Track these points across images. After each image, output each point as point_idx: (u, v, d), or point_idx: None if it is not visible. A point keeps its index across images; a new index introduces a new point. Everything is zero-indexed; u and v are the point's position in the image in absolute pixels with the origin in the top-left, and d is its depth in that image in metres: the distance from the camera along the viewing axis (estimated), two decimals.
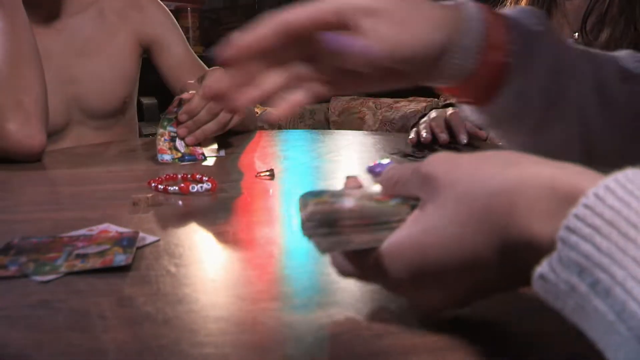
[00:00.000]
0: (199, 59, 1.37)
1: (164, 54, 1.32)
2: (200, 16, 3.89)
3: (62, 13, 1.20)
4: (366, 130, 3.51)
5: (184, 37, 1.38)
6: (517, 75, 0.47)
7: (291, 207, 0.70)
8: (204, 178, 0.74)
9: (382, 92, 3.69)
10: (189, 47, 1.36)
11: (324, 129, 3.73)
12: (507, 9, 0.51)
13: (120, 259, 0.49)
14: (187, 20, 3.82)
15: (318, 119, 3.70)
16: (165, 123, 0.94)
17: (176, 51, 1.32)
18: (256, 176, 0.80)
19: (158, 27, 1.32)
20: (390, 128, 3.42)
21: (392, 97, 3.60)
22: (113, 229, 0.58)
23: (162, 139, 0.92)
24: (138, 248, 0.52)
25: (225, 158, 0.95)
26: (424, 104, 3.39)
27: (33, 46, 1.02)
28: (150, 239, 0.55)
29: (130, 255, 0.50)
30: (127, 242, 0.54)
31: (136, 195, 0.65)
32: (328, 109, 3.76)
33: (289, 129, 3.49)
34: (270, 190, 0.74)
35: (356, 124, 3.57)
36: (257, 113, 1.26)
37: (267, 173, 0.80)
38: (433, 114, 1.11)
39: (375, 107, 3.56)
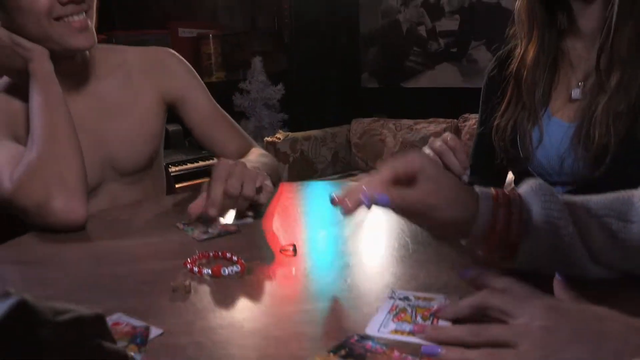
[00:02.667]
0: (221, 110, 1.43)
1: (189, 110, 1.39)
2: (222, 42, 3.97)
3: (92, 78, 1.28)
4: (386, 153, 3.58)
5: (207, 90, 1.44)
6: (527, 239, 0.64)
7: (313, 287, 0.78)
8: (234, 258, 0.82)
9: (402, 116, 3.75)
10: (212, 99, 1.42)
11: (346, 150, 3.81)
12: (520, 188, 0.67)
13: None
14: (209, 47, 3.91)
15: (339, 141, 3.78)
16: (190, 231, 1.00)
17: (200, 106, 1.39)
18: (280, 252, 0.88)
19: (181, 83, 1.38)
20: (411, 150, 3.48)
21: (412, 119, 3.67)
22: (124, 320, 0.63)
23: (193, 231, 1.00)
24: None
25: (251, 226, 1.03)
26: (444, 125, 3.46)
27: (69, 119, 1.10)
28: (155, 332, 0.60)
29: (144, 355, 0.56)
30: (140, 340, 0.58)
31: (175, 282, 0.73)
32: (349, 130, 3.83)
33: (313, 150, 3.57)
34: (293, 270, 0.82)
35: (377, 146, 3.65)
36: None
37: (290, 249, 0.88)
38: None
39: (396, 129, 3.63)
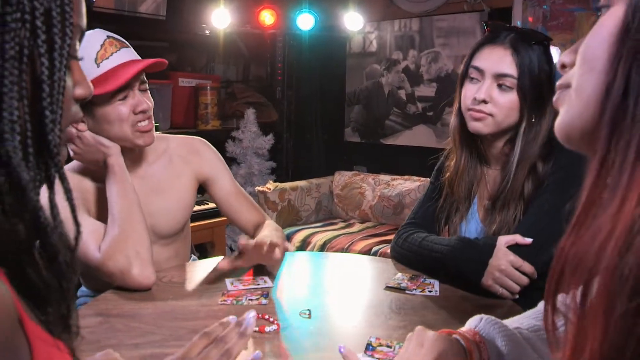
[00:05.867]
0: (241, 189, 1.78)
1: (216, 188, 1.73)
2: (218, 92, 4.26)
3: (144, 163, 1.63)
4: (365, 205, 3.95)
5: (230, 172, 1.79)
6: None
7: (327, 343, 1.12)
8: (271, 319, 1.17)
9: (380, 170, 4.14)
10: (234, 180, 1.77)
11: (329, 200, 4.17)
12: (476, 323, 0.95)
13: None
14: (206, 97, 4.15)
15: (323, 191, 4.14)
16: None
17: (224, 184, 1.74)
18: (300, 314, 1.23)
19: (211, 167, 1.73)
20: (387, 204, 3.86)
21: (389, 173, 4.05)
22: None
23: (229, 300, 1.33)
24: None
25: (272, 291, 1.38)
26: (418, 183, 3.83)
27: (139, 204, 1.45)
28: None
29: None
30: None
31: None
32: (332, 182, 4.20)
33: (299, 200, 3.92)
34: (311, 327, 1.17)
35: (357, 198, 4.01)
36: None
37: (306, 312, 1.23)
38: None
39: (375, 184, 4.00)
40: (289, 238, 3.54)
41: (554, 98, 0.63)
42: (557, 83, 0.62)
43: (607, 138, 0.49)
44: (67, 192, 0.62)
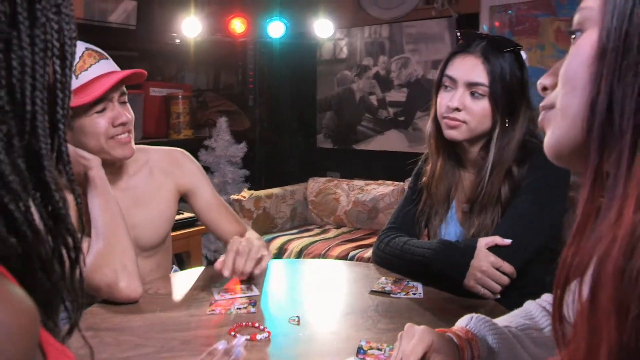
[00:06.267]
0: (222, 199, 1.79)
1: (196, 199, 1.74)
2: (190, 102, 4.25)
3: (125, 175, 1.62)
4: (340, 210, 3.98)
5: (211, 184, 1.79)
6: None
7: (318, 348, 1.14)
8: (261, 327, 1.18)
9: (353, 175, 4.18)
10: (215, 191, 1.78)
11: (303, 207, 4.19)
12: (467, 322, 0.99)
13: None
14: (178, 107, 4.13)
15: (297, 198, 4.16)
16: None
17: (205, 196, 1.74)
18: (289, 321, 1.24)
19: (192, 179, 1.73)
20: (362, 208, 3.89)
21: (363, 178, 4.09)
22: None
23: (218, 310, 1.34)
24: None
25: (259, 299, 1.39)
26: (392, 188, 3.88)
27: (122, 216, 1.44)
28: None
29: None
30: None
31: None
32: (306, 188, 4.22)
33: (273, 207, 3.93)
34: (300, 334, 1.19)
35: (332, 204, 4.04)
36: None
37: (295, 318, 1.25)
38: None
39: (349, 189, 4.03)
40: None
41: (539, 118, 0.66)
42: (541, 105, 0.65)
43: (598, 152, 0.52)
44: (77, 197, 0.64)
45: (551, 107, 0.62)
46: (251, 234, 1.71)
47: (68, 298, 0.62)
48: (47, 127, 0.57)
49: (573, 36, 0.60)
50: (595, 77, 0.54)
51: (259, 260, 1.47)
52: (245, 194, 3.77)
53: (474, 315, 1.02)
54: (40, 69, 0.54)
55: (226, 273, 1.41)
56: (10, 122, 0.52)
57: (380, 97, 4.27)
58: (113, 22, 3.51)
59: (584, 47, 0.56)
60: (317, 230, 3.91)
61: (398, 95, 4.19)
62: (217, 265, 1.45)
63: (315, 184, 4.18)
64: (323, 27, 4.09)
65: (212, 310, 1.32)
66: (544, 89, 0.65)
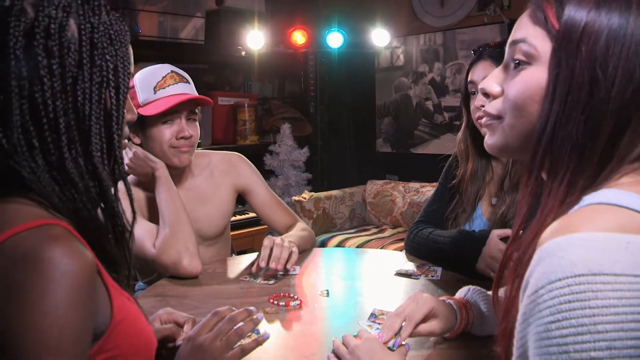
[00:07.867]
0: (276, 195, 2.03)
1: (252, 196, 2.00)
2: (255, 109, 4.51)
3: (189, 176, 1.91)
4: (396, 211, 4.17)
5: (265, 182, 2.04)
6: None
7: (341, 312, 1.36)
8: (295, 296, 1.42)
9: (411, 178, 4.36)
10: (269, 188, 2.03)
11: (362, 208, 4.40)
12: (465, 292, 1.20)
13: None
14: (244, 114, 4.40)
15: (356, 199, 4.38)
16: (253, 281, 1.60)
17: (260, 193, 2.00)
18: (319, 294, 1.47)
19: (247, 178, 2.00)
20: (417, 209, 4.06)
21: (419, 182, 4.27)
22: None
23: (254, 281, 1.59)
24: None
25: (297, 275, 1.63)
26: None
27: (184, 207, 1.71)
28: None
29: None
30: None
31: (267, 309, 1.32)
32: (365, 190, 4.43)
33: (333, 208, 4.17)
34: (328, 304, 1.42)
35: (388, 205, 4.23)
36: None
37: (325, 292, 1.48)
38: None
39: (405, 191, 4.21)
40: (324, 244, 3.78)
41: (482, 120, 0.81)
42: (484, 109, 0.78)
43: (538, 167, 0.68)
44: (128, 189, 0.91)
45: (497, 117, 0.75)
46: (299, 226, 1.95)
47: (125, 259, 0.89)
48: (104, 137, 0.83)
49: (517, 62, 0.71)
50: (544, 109, 0.66)
51: (291, 253, 1.68)
52: (306, 195, 4.02)
53: (471, 287, 1.22)
54: (96, 96, 0.81)
55: (262, 263, 1.60)
56: (74, 133, 0.79)
57: (435, 102, 4.44)
58: (184, 38, 3.84)
59: (532, 83, 0.68)
60: (374, 230, 4.11)
61: (453, 100, 4.33)
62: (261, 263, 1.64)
63: (373, 186, 4.38)
64: (380, 37, 4.30)
65: (259, 282, 1.57)
66: (487, 95, 0.80)
